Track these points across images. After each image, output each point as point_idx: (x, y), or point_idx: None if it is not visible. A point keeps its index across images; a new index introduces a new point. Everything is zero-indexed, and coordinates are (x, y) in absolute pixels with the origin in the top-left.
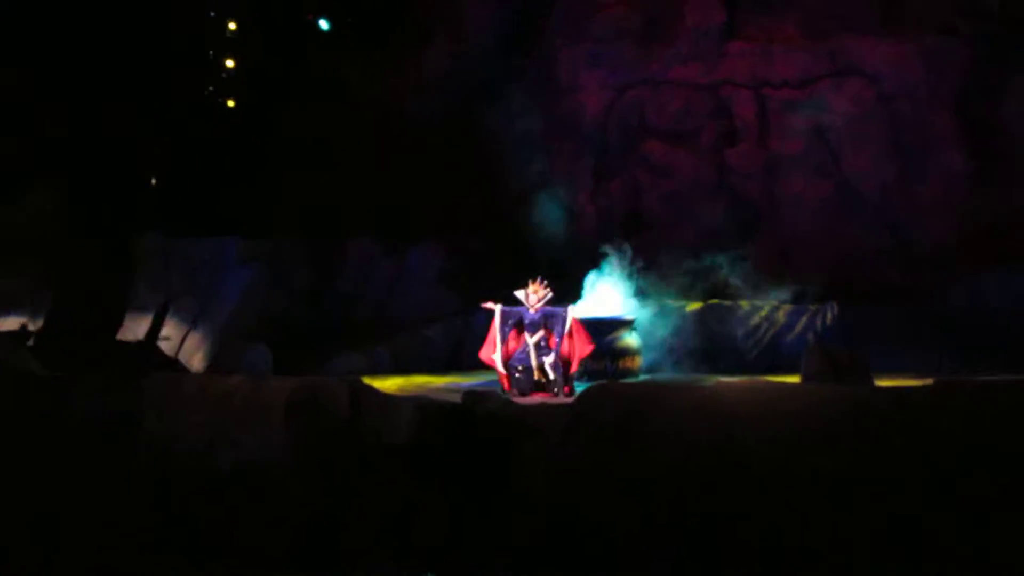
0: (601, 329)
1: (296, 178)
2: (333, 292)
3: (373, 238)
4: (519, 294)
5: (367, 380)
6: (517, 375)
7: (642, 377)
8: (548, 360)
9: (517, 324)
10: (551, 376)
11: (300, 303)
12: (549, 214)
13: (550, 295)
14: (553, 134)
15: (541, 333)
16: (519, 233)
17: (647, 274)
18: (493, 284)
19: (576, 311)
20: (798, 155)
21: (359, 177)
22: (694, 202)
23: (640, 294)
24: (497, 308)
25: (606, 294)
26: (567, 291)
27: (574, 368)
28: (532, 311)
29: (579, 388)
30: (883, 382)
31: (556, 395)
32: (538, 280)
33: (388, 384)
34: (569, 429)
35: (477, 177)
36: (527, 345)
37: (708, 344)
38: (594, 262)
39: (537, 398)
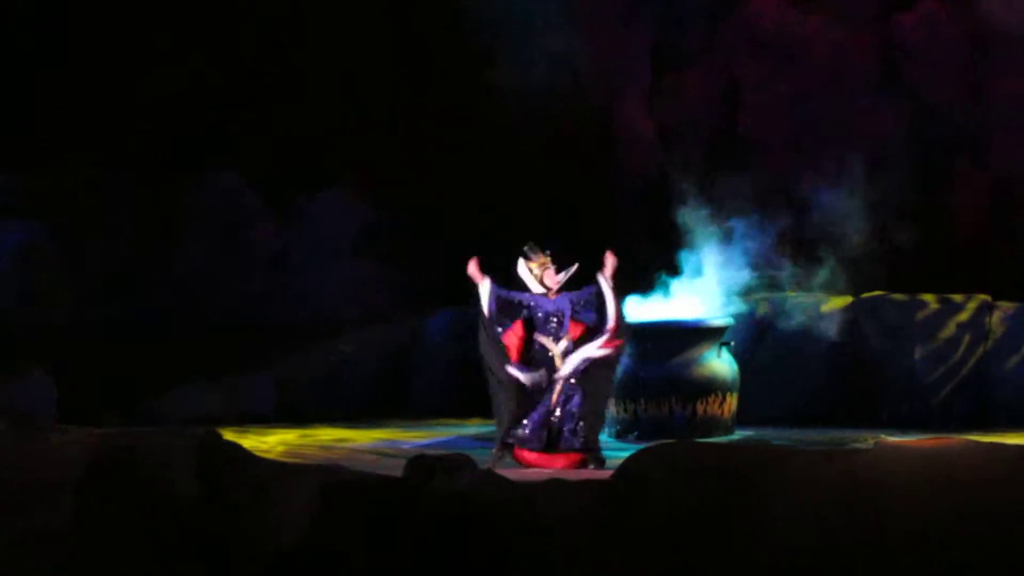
0: (663, 343)
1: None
2: (166, 274)
3: (242, 176)
4: (523, 272)
5: (230, 434)
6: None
7: (739, 434)
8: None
9: (522, 318)
10: (581, 421)
11: (104, 293)
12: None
13: (574, 268)
14: None
15: (567, 338)
16: (509, 170)
17: (751, 245)
18: (456, 260)
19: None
20: None
21: (215, 63)
22: (839, 112)
23: (737, 282)
24: (484, 284)
25: (676, 285)
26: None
27: None
28: (551, 295)
29: (612, 451)
30: None
31: (586, 461)
32: (543, 252)
33: (270, 442)
34: (605, 528)
35: (430, 72)
36: (548, 356)
37: (861, 373)
38: (649, 223)
39: (551, 466)
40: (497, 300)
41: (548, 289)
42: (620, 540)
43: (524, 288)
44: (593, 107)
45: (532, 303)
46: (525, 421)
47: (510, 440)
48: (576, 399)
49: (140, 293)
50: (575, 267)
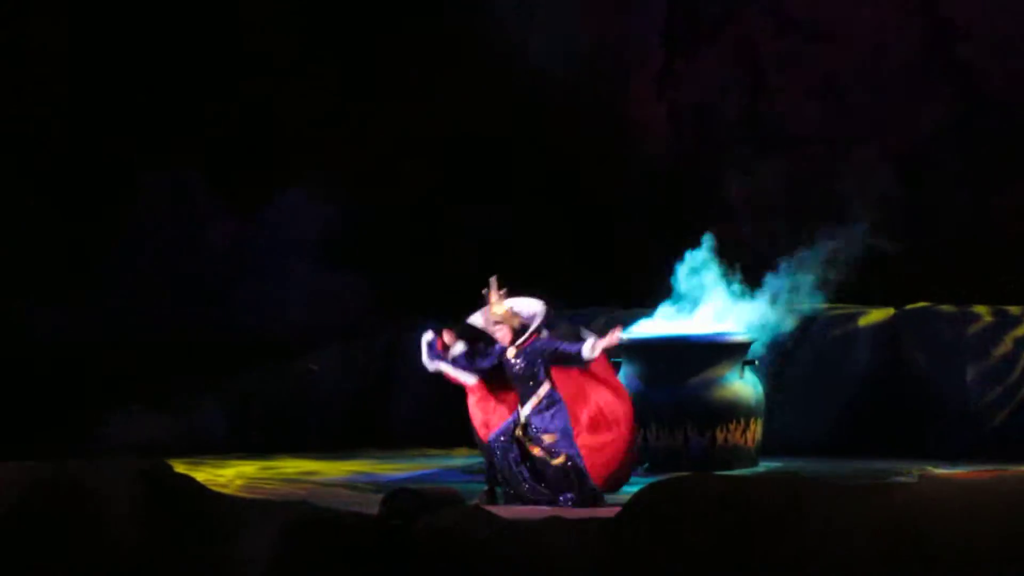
0: (676, 362)
1: None
2: (107, 277)
3: (191, 166)
4: (477, 319)
5: (181, 466)
6: (505, 467)
7: (764, 466)
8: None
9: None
10: (558, 462)
11: (34, 298)
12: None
13: (539, 313)
14: None
15: (544, 387)
16: (503, 162)
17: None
18: (441, 265)
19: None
20: None
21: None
22: (878, 95)
23: (764, 292)
24: (456, 348)
25: (694, 294)
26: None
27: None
28: (510, 354)
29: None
30: None
31: (568, 501)
32: (494, 295)
33: (227, 475)
34: (608, 572)
35: (411, 56)
36: (517, 414)
37: (904, 396)
38: (660, 223)
39: (542, 509)
40: (466, 360)
41: (506, 340)
42: None
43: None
44: (597, 91)
45: (500, 360)
46: (506, 468)
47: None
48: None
49: (75, 299)
50: (536, 319)
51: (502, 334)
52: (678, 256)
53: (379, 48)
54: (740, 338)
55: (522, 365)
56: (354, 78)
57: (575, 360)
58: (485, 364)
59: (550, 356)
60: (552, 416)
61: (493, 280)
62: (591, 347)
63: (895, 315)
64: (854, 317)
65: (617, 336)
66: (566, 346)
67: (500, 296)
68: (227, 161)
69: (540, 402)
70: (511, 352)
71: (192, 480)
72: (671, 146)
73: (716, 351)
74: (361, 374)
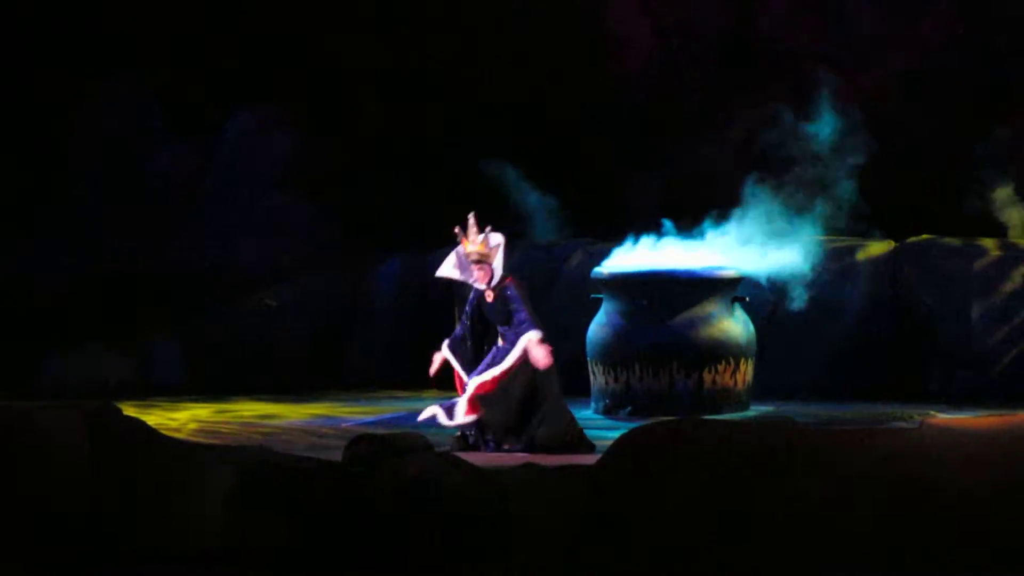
0: (662, 299)
1: None
2: (50, 208)
3: (146, 89)
4: (447, 270)
5: (131, 409)
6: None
7: (755, 410)
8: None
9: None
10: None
11: None
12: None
13: (500, 239)
14: None
15: (525, 327)
16: (474, 81)
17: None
18: (410, 193)
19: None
20: None
21: None
22: (877, 13)
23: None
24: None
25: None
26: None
27: None
28: (488, 297)
29: (599, 430)
30: None
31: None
32: (475, 234)
33: (180, 418)
34: (589, 521)
35: None
36: (496, 349)
37: (905, 335)
38: (647, 148)
39: (517, 455)
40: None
41: (479, 281)
42: (606, 536)
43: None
44: (577, 4)
45: (478, 298)
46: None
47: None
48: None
49: (19, 231)
50: (499, 239)
51: (480, 273)
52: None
53: None
54: (729, 273)
55: (499, 307)
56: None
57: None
58: (468, 322)
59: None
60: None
61: (471, 217)
62: (527, 343)
63: (896, 248)
64: (852, 250)
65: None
66: (519, 316)
67: (476, 233)
68: (181, 83)
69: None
70: (489, 295)
71: (142, 423)
72: (654, 65)
73: (704, 287)
74: (323, 311)
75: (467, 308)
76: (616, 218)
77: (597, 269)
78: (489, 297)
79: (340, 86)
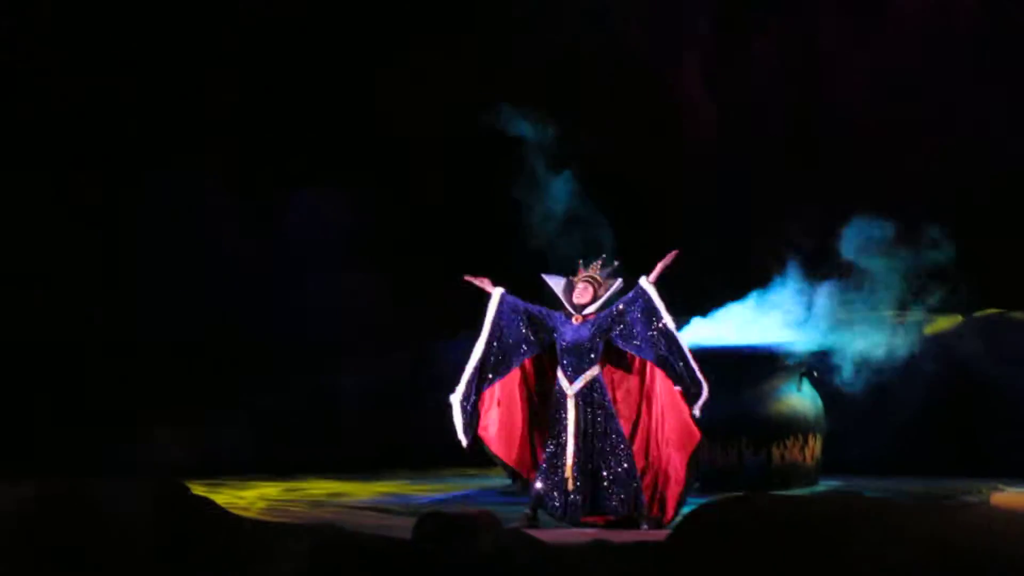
0: (730, 373)
1: None
2: (115, 288)
3: (208, 171)
4: (554, 281)
5: (199, 488)
6: (543, 476)
7: (824, 485)
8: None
9: (538, 341)
10: (613, 478)
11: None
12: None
13: (618, 284)
14: None
15: (596, 370)
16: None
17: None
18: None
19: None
20: None
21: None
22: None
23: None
24: (495, 293)
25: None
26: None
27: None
28: (575, 320)
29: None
30: None
31: (638, 523)
32: (597, 263)
33: (248, 496)
34: None
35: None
36: (562, 399)
37: (973, 410)
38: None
39: (588, 530)
40: (502, 312)
41: (575, 308)
42: None
43: (553, 300)
44: (641, 76)
45: (555, 326)
46: (548, 477)
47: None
48: (599, 455)
49: (82, 311)
50: (617, 283)
51: (581, 290)
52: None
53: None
54: (798, 348)
55: (586, 333)
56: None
57: (637, 303)
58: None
59: (614, 320)
60: (603, 396)
61: (603, 257)
62: (646, 278)
63: (963, 322)
64: (920, 325)
65: (672, 255)
66: (624, 300)
67: (595, 269)
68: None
69: (589, 384)
70: (576, 319)
71: (211, 503)
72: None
73: (773, 362)
74: (392, 388)
75: (530, 307)
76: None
77: None
78: (577, 321)
79: (407, 157)
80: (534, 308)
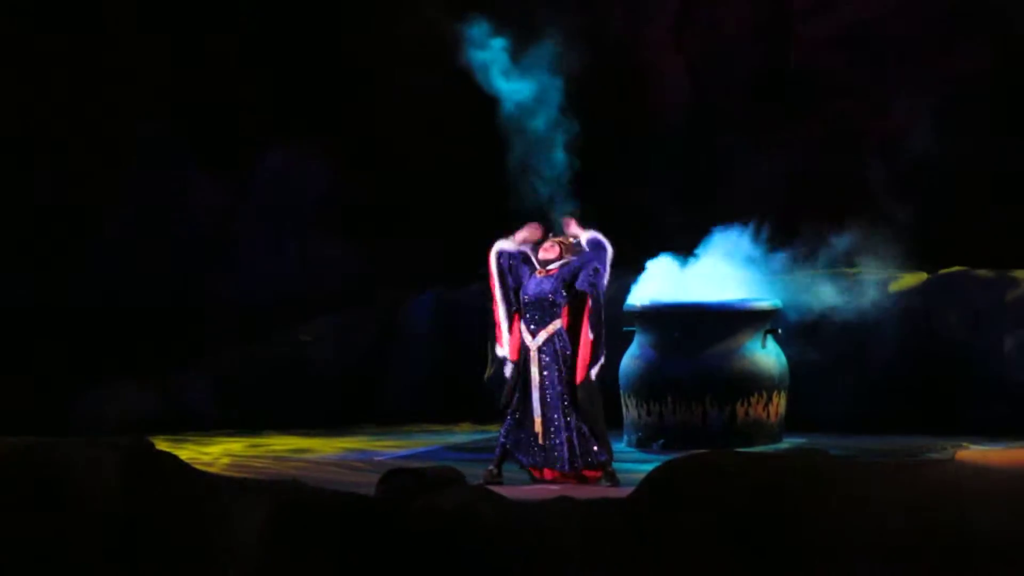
0: (694, 331)
1: None
2: (81, 244)
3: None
4: (506, 243)
5: (163, 443)
6: (509, 431)
7: (788, 443)
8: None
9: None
10: (580, 427)
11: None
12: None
13: (579, 238)
14: None
15: (557, 323)
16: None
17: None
18: (442, 230)
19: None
20: None
21: None
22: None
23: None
24: (493, 250)
25: (714, 265)
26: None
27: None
28: (539, 273)
29: (632, 463)
30: None
31: (600, 478)
32: (574, 234)
33: (212, 452)
34: (623, 557)
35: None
36: (525, 353)
37: (938, 367)
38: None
39: (551, 488)
40: (502, 263)
41: (539, 262)
42: (641, 569)
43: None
44: (610, 37)
45: (520, 278)
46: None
47: (506, 442)
48: (557, 410)
49: (48, 268)
50: (581, 237)
51: (548, 246)
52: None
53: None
54: (763, 305)
55: (549, 286)
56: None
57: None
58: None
59: (573, 272)
60: (564, 348)
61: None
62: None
63: (929, 280)
64: (884, 283)
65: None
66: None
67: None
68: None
69: (551, 337)
70: (540, 271)
71: (175, 458)
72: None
73: (737, 320)
74: (356, 346)
75: (513, 253)
76: (649, 251)
77: (630, 301)
78: (540, 274)
79: (374, 119)
80: (516, 253)
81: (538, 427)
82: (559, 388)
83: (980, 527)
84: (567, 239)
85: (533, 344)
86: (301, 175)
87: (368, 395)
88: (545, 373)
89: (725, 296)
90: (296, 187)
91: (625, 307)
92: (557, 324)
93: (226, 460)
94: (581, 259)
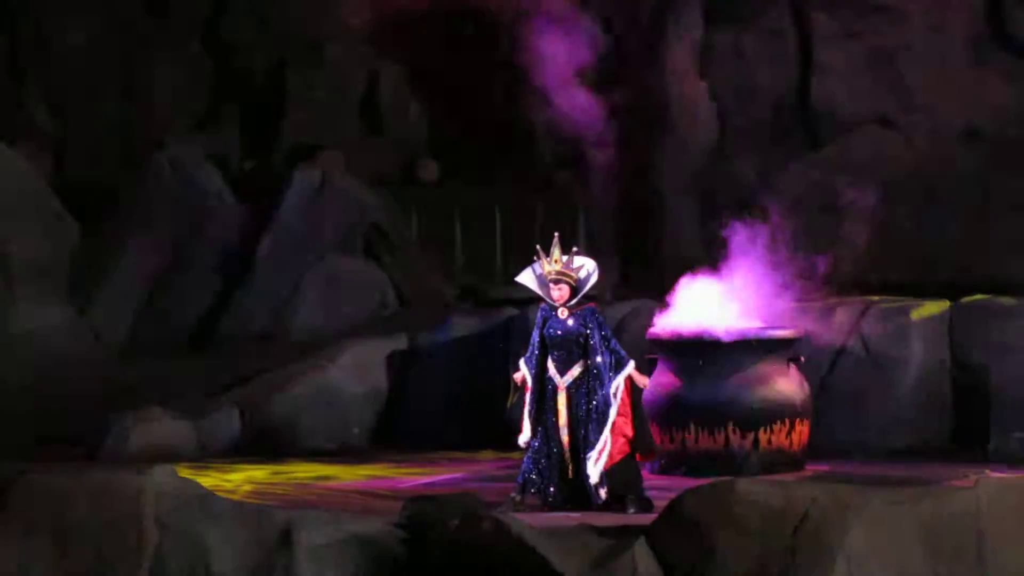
0: (717, 360)
1: None
2: (103, 273)
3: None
4: (526, 278)
5: (185, 471)
6: (531, 463)
7: (810, 471)
8: (600, 435)
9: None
10: (596, 466)
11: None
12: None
13: (593, 272)
14: None
15: (578, 368)
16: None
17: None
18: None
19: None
20: None
21: None
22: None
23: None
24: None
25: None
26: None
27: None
28: (561, 313)
29: (655, 490)
30: None
31: (626, 508)
32: (562, 259)
33: (234, 479)
34: None
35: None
36: (552, 390)
37: (962, 395)
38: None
39: (572, 515)
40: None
41: (557, 301)
42: None
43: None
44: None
45: (545, 315)
46: (533, 465)
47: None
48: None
49: (80, 299)
50: (594, 276)
51: (559, 293)
52: None
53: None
54: (785, 334)
55: (573, 325)
56: None
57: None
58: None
59: (587, 321)
60: (590, 389)
61: (556, 237)
62: (633, 374)
63: (952, 308)
64: (906, 310)
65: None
66: (616, 345)
67: (560, 254)
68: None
69: (580, 375)
70: (562, 311)
71: (197, 485)
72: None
73: (760, 348)
74: (378, 372)
75: (536, 329)
76: (668, 278)
77: (653, 330)
78: (563, 314)
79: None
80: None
81: (567, 457)
82: (591, 423)
83: (1000, 548)
84: (568, 272)
85: (562, 383)
86: (325, 201)
87: (390, 422)
88: (573, 408)
89: (749, 324)
90: (319, 214)
91: (648, 335)
92: (584, 363)
93: (248, 487)
94: (583, 315)
